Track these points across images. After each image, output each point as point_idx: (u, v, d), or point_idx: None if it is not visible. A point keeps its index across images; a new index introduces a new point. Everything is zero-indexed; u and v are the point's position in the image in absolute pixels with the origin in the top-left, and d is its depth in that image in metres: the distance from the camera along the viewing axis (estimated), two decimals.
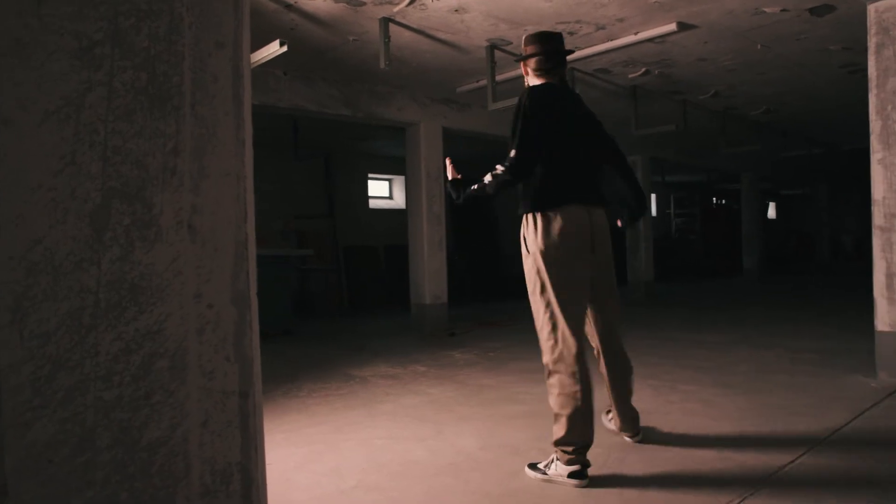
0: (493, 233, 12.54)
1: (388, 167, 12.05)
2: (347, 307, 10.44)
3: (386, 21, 4.98)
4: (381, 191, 12.49)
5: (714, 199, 17.85)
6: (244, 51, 0.92)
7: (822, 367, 4.51)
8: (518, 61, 2.81)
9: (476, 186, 2.73)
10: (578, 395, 2.52)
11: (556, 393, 2.57)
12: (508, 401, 3.96)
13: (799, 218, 20.60)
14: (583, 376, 2.54)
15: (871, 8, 4.22)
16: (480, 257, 12.08)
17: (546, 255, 2.57)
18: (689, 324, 7.24)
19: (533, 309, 2.68)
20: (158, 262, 0.84)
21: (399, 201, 12.37)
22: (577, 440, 2.51)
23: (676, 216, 16.12)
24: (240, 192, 0.91)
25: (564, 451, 2.51)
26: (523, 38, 2.82)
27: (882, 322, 4.08)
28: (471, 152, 11.17)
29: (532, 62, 2.72)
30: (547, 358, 2.62)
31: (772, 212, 21.02)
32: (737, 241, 14.59)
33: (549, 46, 2.71)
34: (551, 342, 2.59)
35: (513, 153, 2.57)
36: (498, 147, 10.21)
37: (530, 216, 2.62)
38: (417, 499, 2.45)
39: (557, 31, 2.83)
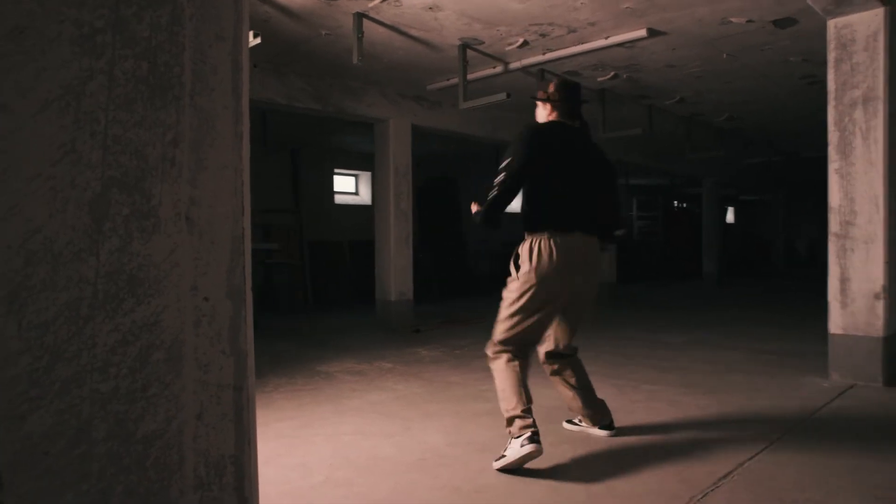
0: (459, 230, 12.57)
1: (354, 163, 11.99)
2: (312, 302, 10.36)
3: (360, 16, 4.96)
4: (348, 186, 12.42)
5: (676, 202, 18.19)
6: (243, 45, 0.91)
7: (778, 368, 4.65)
8: (545, 102, 3.02)
9: (476, 211, 2.99)
10: (518, 370, 2.81)
11: (501, 372, 2.83)
12: (475, 398, 3.99)
13: (756, 223, 21.15)
14: (523, 366, 2.84)
15: (830, 23, 4.36)
16: (446, 254, 12.09)
17: (539, 276, 2.77)
18: (650, 325, 7.39)
19: (503, 304, 2.90)
20: (156, 254, 0.83)
21: (365, 197, 12.32)
22: (525, 403, 2.71)
23: (639, 219, 16.39)
24: (237, 186, 0.91)
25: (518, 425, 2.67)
26: (556, 83, 3.03)
27: (835, 325, 4.23)
28: (443, 149, 11.22)
29: (553, 106, 3.00)
30: (497, 337, 2.87)
31: (730, 216, 21.53)
32: (697, 245, 14.91)
33: (574, 99, 3.01)
34: (506, 333, 2.85)
35: (494, 186, 2.84)
36: (468, 146, 10.26)
37: (533, 238, 2.83)
38: (386, 494, 2.46)
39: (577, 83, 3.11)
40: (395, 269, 7.48)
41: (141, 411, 0.82)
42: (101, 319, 0.79)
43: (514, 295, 2.81)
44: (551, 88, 2.98)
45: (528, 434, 2.60)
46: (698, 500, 2.31)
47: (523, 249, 2.85)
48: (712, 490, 2.40)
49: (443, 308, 9.35)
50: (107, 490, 0.80)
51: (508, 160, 2.79)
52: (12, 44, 0.72)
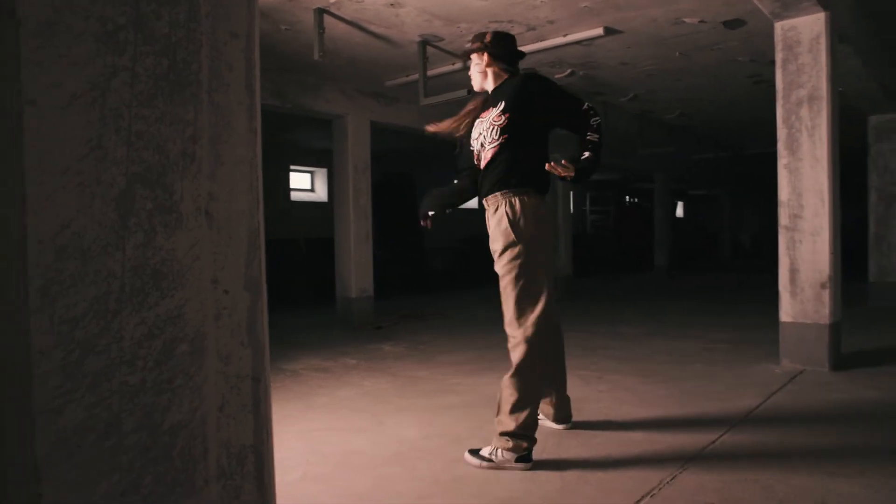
0: (416, 226, 12.58)
1: (310, 159, 11.88)
2: (269, 300, 10.24)
3: (321, 11, 4.94)
4: (303, 183, 12.30)
5: (627, 197, 18.60)
6: (255, 42, 0.93)
7: (732, 356, 4.84)
8: (481, 52, 2.86)
9: (594, 150, 2.72)
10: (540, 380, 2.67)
11: (524, 377, 2.62)
12: (444, 392, 4.03)
13: (703, 217, 21.80)
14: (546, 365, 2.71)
15: (777, 26, 4.55)
16: (404, 250, 12.11)
17: (538, 238, 2.65)
18: (608, 317, 7.56)
19: (503, 282, 2.69)
20: (179, 248, 0.84)
21: (321, 194, 12.22)
22: (531, 427, 2.62)
23: (592, 213, 16.71)
24: (252, 181, 0.92)
25: (515, 438, 2.60)
26: (508, 38, 2.89)
27: (785, 313, 4.42)
28: (399, 146, 11.22)
29: (492, 57, 2.84)
30: (527, 332, 2.63)
31: (679, 211, 22.14)
32: (648, 239, 15.29)
33: (514, 48, 2.91)
34: (526, 312, 2.64)
35: (586, 105, 2.72)
36: (424, 142, 10.25)
37: (524, 198, 2.65)
38: (366, 488, 2.48)
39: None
40: (356, 266, 7.46)
41: (167, 403, 0.83)
42: (128, 313, 0.80)
43: (519, 261, 2.62)
44: (488, 38, 2.84)
45: (525, 453, 2.60)
46: (668, 483, 2.40)
47: (520, 205, 2.64)
48: (681, 472, 2.50)
49: (402, 304, 9.37)
50: (137, 480, 0.81)
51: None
52: (41, 38, 0.72)
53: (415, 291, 11.40)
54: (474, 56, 2.88)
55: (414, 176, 12.74)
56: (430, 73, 6.22)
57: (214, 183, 0.88)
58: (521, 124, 2.68)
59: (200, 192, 0.86)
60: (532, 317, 2.62)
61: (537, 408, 2.69)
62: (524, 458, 2.60)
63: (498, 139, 2.69)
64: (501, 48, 2.84)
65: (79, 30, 0.75)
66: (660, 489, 2.34)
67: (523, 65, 6.53)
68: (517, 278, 2.63)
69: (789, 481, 2.37)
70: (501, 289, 2.70)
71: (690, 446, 2.80)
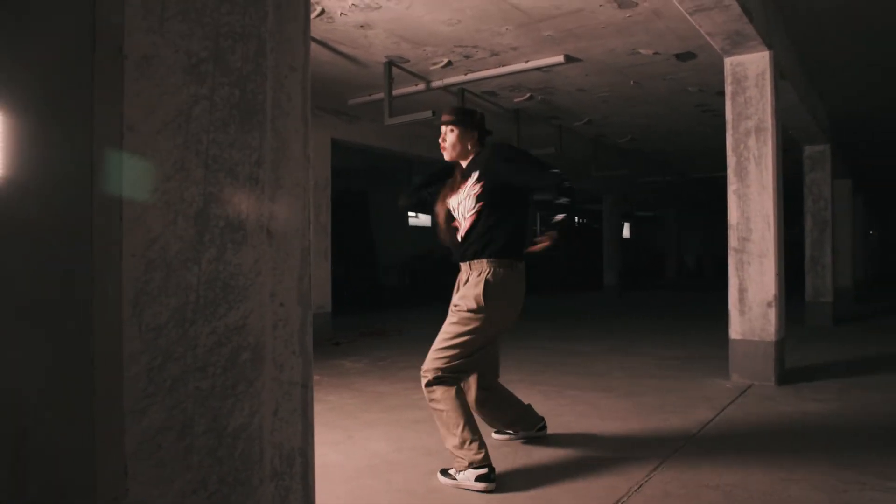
0: (371, 243, 12.62)
1: None
2: None
3: None
4: None
5: (577, 218, 19.04)
6: (309, 75, 1.01)
7: (684, 372, 5.05)
8: (474, 130, 2.99)
9: (566, 211, 2.77)
10: (460, 398, 2.72)
11: (443, 408, 2.70)
12: (410, 407, 4.09)
13: (650, 238, 22.48)
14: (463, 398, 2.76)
15: (727, 61, 4.84)
16: (358, 268, 12.11)
17: (503, 312, 2.79)
18: (562, 335, 7.75)
19: (450, 328, 2.77)
20: (244, 263, 0.91)
21: None
22: (477, 440, 2.65)
23: (541, 234, 17.00)
24: (305, 203, 1.00)
25: (469, 456, 2.62)
26: (480, 115, 3.03)
27: (735, 331, 4.67)
28: (355, 163, 11.25)
29: (479, 138, 3.00)
30: (439, 365, 2.72)
31: (626, 232, 22.78)
32: (597, 259, 15.68)
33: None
34: (452, 361, 2.73)
35: (555, 170, 2.78)
36: (380, 160, 10.33)
37: (508, 269, 2.79)
38: (343, 499, 2.53)
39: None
40: (314, 282, 7.45)
41: (231, 407, 0.89)
42: (202, 323, 0.86)
43: (473, 324, 2.72)
44: (466, 114, 2.95)
45: (486, 472, 2.59)
46: (636, 490, 2.53)
47: (496, 277, 2.76)
48: (647, 480, 2.64)
49: (357, 320, 9.37)
50: (204, 480, 0.86)
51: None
52: (140, 70, 0.79)
53: (368, 308, 11.40)
54: (450, 128, 2.94)
55: (368, 194, 12.79)
56: (395, 93, 6.32)
57: (274, 204, 0.95)
58: (495, 191, 2.80)
59: (263, 212, 0.93)
60: (450, 366, 2.72)
61: (473, 430, 2.68)
62: (485, 477, 2.58)
63: (475, 207, 2.81)
64: (476, 124, 2.98)
65: (170, 63, 0.82)
66: (628, 497, 2.47)
67: (483, 88, 6.72)
68: (464, 334, 2.72)
69: (747, 486, 2.54)
70: (445, 327, 2.79)
71: (654, 456, 2.95)
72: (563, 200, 2.72)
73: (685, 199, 16.83)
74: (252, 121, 0.92)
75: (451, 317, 2.79)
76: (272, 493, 0.96)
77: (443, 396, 2.70)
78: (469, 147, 2.95)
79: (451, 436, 2.67)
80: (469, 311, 2.73)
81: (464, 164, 2.99)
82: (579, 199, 17.24)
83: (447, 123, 2.96)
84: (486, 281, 2.74)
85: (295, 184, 0.98)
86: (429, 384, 2.72)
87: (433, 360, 2.74)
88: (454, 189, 2.97)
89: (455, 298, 2.85)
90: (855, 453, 2.96)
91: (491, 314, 2.73)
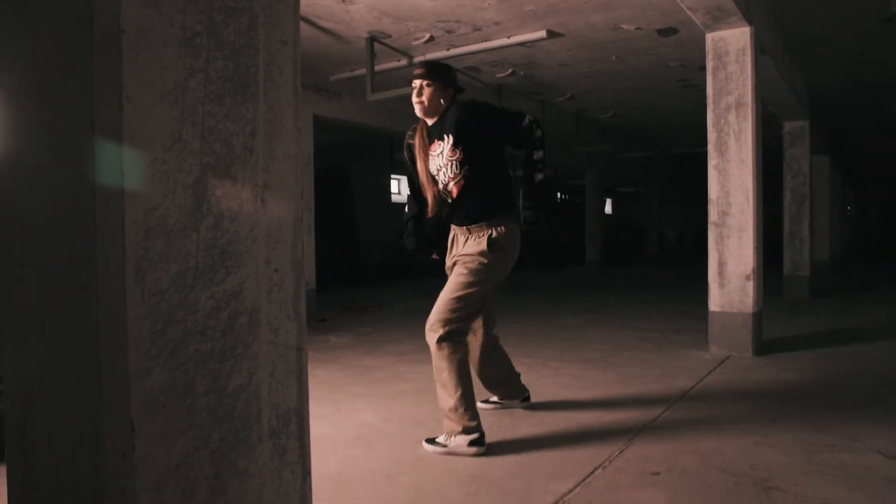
0: (352, 220, 12.61)
1: None
2: None
3: None
4: None
5: (559, 194, 19.13)
6: (299, 49, 1.03)
7: (664, 344, 5.17)
8: (457, 90, 2.98)
9: (542, 165, 2.89)
10: (464, 363, 2.79)
11: (445, 368, 2.76)
12: (396, 379, 4.16)
13: (631, 214, 22.64)
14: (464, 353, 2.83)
15: (708, 36, 4.88)
16: (340, 245, 12.10)
17: (507, 260, 2.89)
18: (544, 308, 7.85)
19: (458, 279, 2.83)
20: (240, 231, 0.94)
21: None
22: (472, 408, 2.74)
23: (524, 209, 17.07)
24: (297, 173, 1.03)
25: (462, 422, 2.70)
26: (454, 71, 2.99)
27: (714, 303, 4.77)
28: (336, 139, 11.19)
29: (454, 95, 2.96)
30: (446, 316, 2.77)
31: (608, 207, 22.92)
32: (580, 234, 15.80)
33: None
34: (457, 312, 2.78)
35: (527, 118, 2.84)
36: (361, 136, 10.28)
37: (508, 226, 2.86)
38: (334, 468, 2.59)
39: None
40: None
41: (230, 369, 0.94)
42: (201, 288, 0.89)
43: (479, 276, 2.80)
44: (436, 68, 2.90)
45: (477, 437, 2.68)
46: (617, 455, 2.62)
47: (499, 234, 2.83)
48: (628, 446, 2.72)
49: (340, 297, 9.41)
50: (206, 438, 0.91)
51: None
52: (138, 43, 0.81)
53: (350, 285, 11.43)
54: (426, 83, 2.86)
55: (350, 170, 12.74)
56: (376, 68, 6.30)
57: (268, 174, 0.98)
58: (476, 153, 2.83)
59: (257, 181, 0.97)
60: (455, 318, 2.77)
61: (469, 397, 2.75)
62: (477, 441, 2.68)
63: (460, 173, 2.84)
64: (452, 80, 2.93)
65: (166, 36, 0.84)
66: (610, 461, 2.55)
67: (465, 63, 6.71)
68: (470, 285, 2.80)
69: (724, 451, 2.63)
70: (452, 279, 2.85)
71: (634, 423, 3.04)
72: (539, 155, 2.85)
73: (667, 175, 16.96)
74: (245, 93, 0.95)
75: (459, 269, 2.86)
76: (270, 451, 1.00)
77: (449, 357, 2.75)
78: (441, 103, 2.89)
79: (448, 398, 2.74)
80: (477, 265, 2.81)
81: (430, 122, 2.94)
82: (559, 173, 17.28)
83: (423, 77, 2.85)
84: (490, 237, 2.83)
85: (286, 155, 1.01)
86: (439, 340, 2.76)
87: (440, 311, 2.78)
88: (426, 152, 2.96)
89: (453, 257, 2.95)
90: (828, 418, 3.07)
91: (495, 265, 2.84)
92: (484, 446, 2.69)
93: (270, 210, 0.99)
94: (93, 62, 0.81)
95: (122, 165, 0.80)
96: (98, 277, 0.82)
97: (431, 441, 2.79)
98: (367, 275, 12.41)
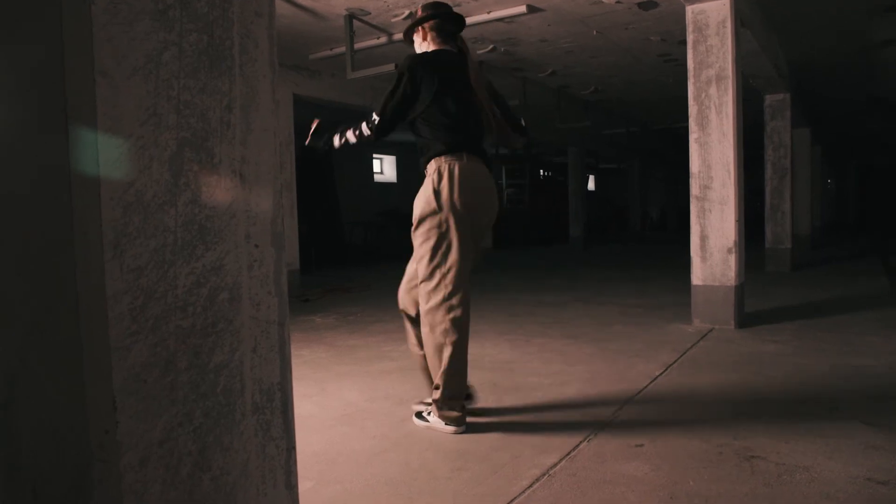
0: (334, 200, 12.54)
1: None
2: None
3: None
4: None
5: (541, 171, 19.13)
6: (275, 22, 1.02)
7: (648, 318, 5.22)
8: (415, 26, 2.88)
9: (339, 135, 2.92)
10: (455, 343, 2.67)
11: (431, 343, 2.70)
12: (380, 358, 4.17)
13: (614, 190, 22.71)
14: (461, 329, 2.70)
15: (688, 9, 4.87)
16: (322, 225, 12.05)
17: (454, 207, 2.64)
18: (528, 286, 7.88)
19: (419, 255, 2.73)
20: (219, 206, 0.94)
21: None
22: (455, 391, 2.69)
23: (507, 187, 17.09)
24: (275, 147, 1.02)
25: (445, 402, 2.67)
26: (420, 7, 2.92)
27: (696, 277, 4.82)
28: (323, 119, 11.09)
29: (430, 24, 2.85)
30: (424, 306, 2.70)
31: (591, 185, 22.97)
32: (562, 212, 15.84)
33: (446, 9, 2.88)
34: (434, 294, 2.68)
35: (375, 115, 2.73)
36: (343, 115, 10.21)
37: (439, 167, 2.67)
38: (321, 446, 2.60)
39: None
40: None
41: (212, 345, 0.93)
42: (181, 264, 0.89)
43: (427, 236, 2.67)
44: (419, 13, 2.87)
45: (457, 416, 2.66)
46: (602, 429, 2.65)
47: (435, 181, 2.67)
48: (613, 419, 2.76)
49: (323, 278, 9.40)
50: (189, 413, 0.91)
51: (394, 90, 2.71)
52: (109, 15, 0.79)
53: (332, 265, 11.41)
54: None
55: (332, 151, 12.65)
56: (356, 46, 6.23)
57: (246, 148, 0.97)
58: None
59: (235, 155, 0.96)
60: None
61: (460, 374, 2.71)
62: (455, 421, 2.67)
63: None
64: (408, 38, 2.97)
65: (138, 8, 0.83)
66: (595, 434, 2.59)
67: None
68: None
69: (707, 421, 2.68)
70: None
71: (618, 396, 3.08)
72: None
73: (649, 151, 17.01)
74: (221, 66, 0.94)
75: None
76: (254, 426, 1.01)
77: (426, 338, 2.72)
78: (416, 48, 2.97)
79: (434, 376, 2.73)
80: (432, 224, 2.70)
81: None
82: (541, 150, 17.26)
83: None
84: (431, 188, 2.69)
85: (264, 128, 1.00)
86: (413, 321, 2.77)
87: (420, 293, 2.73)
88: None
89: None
90: (807, 388, 3.13)
91: (453, 212, 2.66)
92: (462, 426, 2.68)
93: (249, 184, 0.98)
94: (62, 36, 0.80)
95: (97, 141, 0.79)
96: (76, 254, 0.81)
97: (419, 416, 2.82)
98: (350, 255, 12.38)
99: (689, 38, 4.87)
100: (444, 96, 2.72)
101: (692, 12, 4.85)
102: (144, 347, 0.85)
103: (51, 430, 0.88)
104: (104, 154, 0.80)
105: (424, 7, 2.90)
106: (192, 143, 0.90)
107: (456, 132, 2.72)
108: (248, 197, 0.98)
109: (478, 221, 2.77)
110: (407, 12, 5.74)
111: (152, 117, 0.85)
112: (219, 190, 0.93)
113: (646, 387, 3.23)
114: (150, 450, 0.86)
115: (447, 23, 2.88)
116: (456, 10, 5.60)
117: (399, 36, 6.24)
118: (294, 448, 1.10)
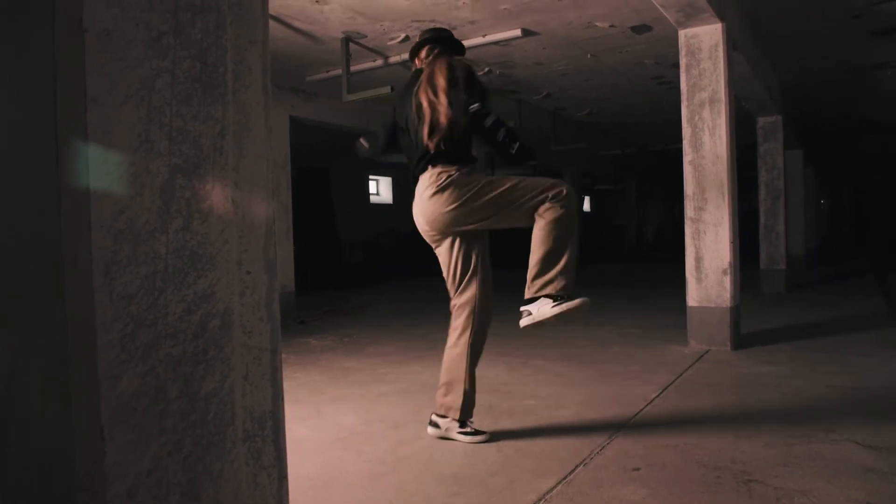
0: (331, 221, 12.55)
1: None
2: None
3: None
4: None
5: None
6: (268, 49, 1.02)
7: (645, 340, 5.20)
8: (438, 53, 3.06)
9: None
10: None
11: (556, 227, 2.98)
12: (376, 381, 4.14)
13: (610, 211, 22.79)
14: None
15: (681, 33, 4.93)
16: (320, 246, 12.04)
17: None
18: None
19: (510, 198, 2.97)
20: (211, 232, 0.93)
21: None
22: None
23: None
24: (268, 173, 1.02)
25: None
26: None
27: (692, 298, 4.81)
28: (315, 140, 11.13)
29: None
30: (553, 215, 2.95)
31: (587, 205, 23.05)
32: None
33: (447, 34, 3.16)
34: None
35: (477, 105, 2.83)
36: (340, 136, 10.25)
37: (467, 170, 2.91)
38: (316, 469, 2.57)
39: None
40: (277, 262, 7.42)
41: (203, 372, 0.92)
42: (171, 291, 0.88)
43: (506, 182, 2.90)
44: (423, 55, 3.08)
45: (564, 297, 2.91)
46: (598, 452, 2.63)
47: (469, 179, 2.91)
48: (608, 443, 2.74)
49: (320, 299, 9.37)
50: (179, 442, 0.89)
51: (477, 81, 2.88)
52: (102, 43, 0.80)
53: (331, 286, 11.38)
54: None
55: (329, 171, 12.69)
56: (352, 69, 6.27)
57: (239, 174, 0.97)
58: None
59: (228, 182, 0.96)
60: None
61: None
62: (471, 432, 2.80)
63: None
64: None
65: (131, 36, 0.83)
66: (591, 458, 2.57)
67: None
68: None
69: (704, 445, 2.66)
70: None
71: (614, 420, 3.06)
72: None
73: (645, 172, 17.10)
74: (214, 93, 0.94)
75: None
76: (245, 455, 0.99)
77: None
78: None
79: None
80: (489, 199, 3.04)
81: None
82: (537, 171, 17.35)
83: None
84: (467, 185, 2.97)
85: (257, 155, 1.00)
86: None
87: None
88: None
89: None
90: (805, 411, 3.11)
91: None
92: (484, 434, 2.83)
93: (241, 211, 0.98)
94: (55, 63, 0.80)
95: (88, 168, 0.79)
96: (65, 282, 0.81)
97: (434, 424, 2.89)
98: (347, 276, 12.36)
99: (683, 62, 4.92)
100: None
101: (685, 36, 4.90)
102: (134, 376, 0.84)
103: (37, 458, 0.86)
104: (95, 182, 0.79)
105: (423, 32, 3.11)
106: (184, 169, 0.90)
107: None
108: (241, 223, 0.98)
109: (427, 233, 3.01)
110: (403, 35, 5.79)
111: (144, 144, 0.85)
112: (210, 217, 0.93)
113: (642, 409, 3.22)
114: (138, 480, 0.85)
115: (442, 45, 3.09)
116: (452, 32, 5.71)
117: (395, 59, 6.29)
118: (286, 477, 1.09)
